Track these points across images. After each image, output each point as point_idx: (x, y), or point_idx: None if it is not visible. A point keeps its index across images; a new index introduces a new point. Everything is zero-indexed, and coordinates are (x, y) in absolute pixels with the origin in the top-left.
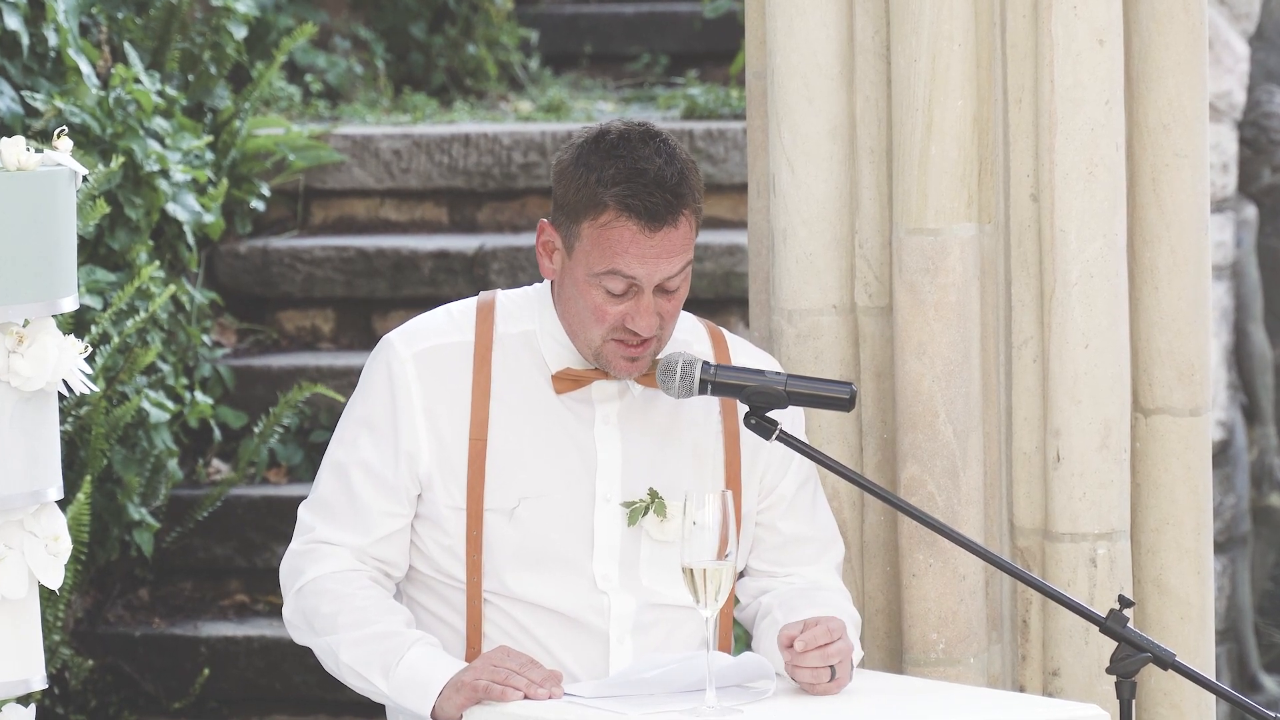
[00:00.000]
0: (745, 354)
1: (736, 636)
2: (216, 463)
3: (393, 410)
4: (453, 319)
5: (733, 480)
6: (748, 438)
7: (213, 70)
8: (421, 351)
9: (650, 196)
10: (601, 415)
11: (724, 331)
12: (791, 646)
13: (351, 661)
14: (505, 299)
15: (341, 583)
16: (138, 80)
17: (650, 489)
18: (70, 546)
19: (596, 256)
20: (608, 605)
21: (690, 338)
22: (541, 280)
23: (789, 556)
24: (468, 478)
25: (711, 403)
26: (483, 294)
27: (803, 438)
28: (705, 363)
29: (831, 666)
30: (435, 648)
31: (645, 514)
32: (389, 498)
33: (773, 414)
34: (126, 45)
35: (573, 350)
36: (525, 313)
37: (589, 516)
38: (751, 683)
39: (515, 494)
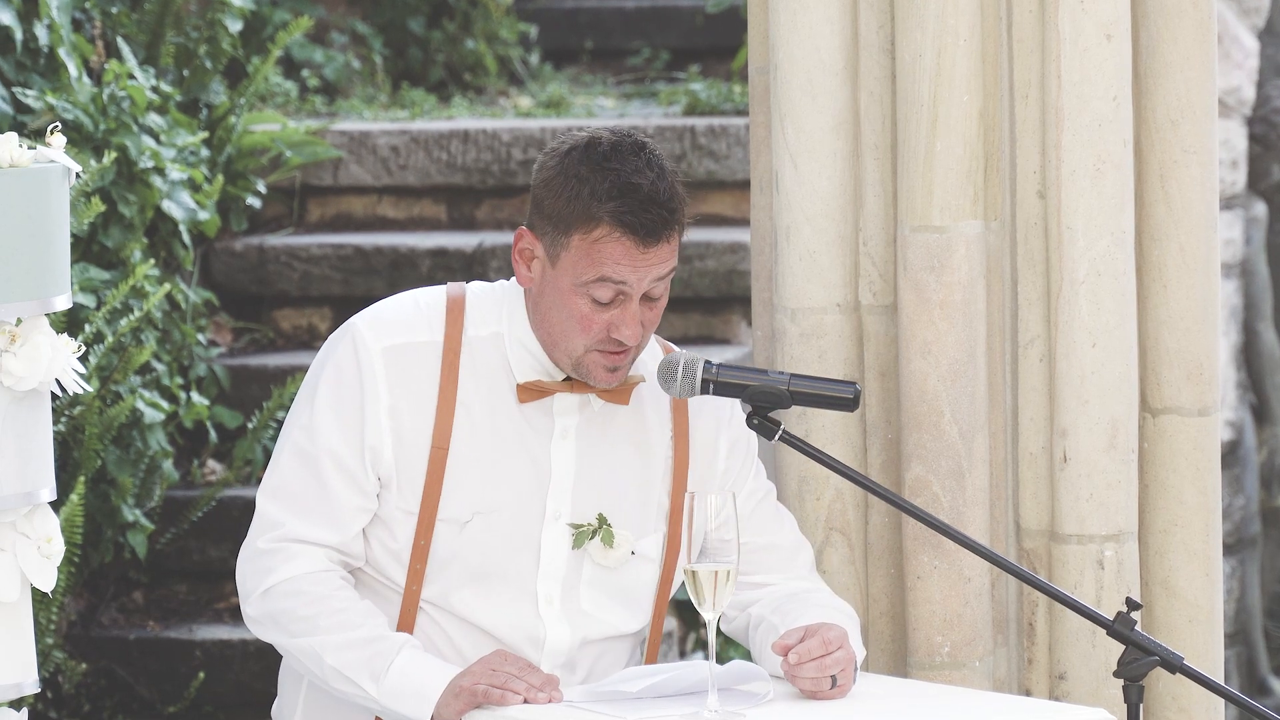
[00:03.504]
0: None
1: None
2: (212, 463)
3: (360, 401)
4: (421, 312)
5: (680, 498)
6: (701, 453)
7: (208, 65)
8: (390, 348)
9: (646, 213)
10: (560, 428)
11: (675, 350)
12: (787, 656)
13: (338, 665)
14: (475, 297)
15: (316, 584)
16: (131, 76)
17: (599, 515)
18: (63, 548)
19: (585, 266)
20: (543, 637)
21: (647, 357)
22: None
23: (755, 565)
24: (425, 486)
25: (665, 425)
26: (451, 287)
27: (752, 452)
28: (707, 362)
29: (832, 675)
30: (421, 651)
31: (591, 538)
32: (360, 492)
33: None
34: (120, 40)
35: (540, 360)
36: (494, 314)
37: (537, 532)
38: (745, 685)
39: (469, 507)
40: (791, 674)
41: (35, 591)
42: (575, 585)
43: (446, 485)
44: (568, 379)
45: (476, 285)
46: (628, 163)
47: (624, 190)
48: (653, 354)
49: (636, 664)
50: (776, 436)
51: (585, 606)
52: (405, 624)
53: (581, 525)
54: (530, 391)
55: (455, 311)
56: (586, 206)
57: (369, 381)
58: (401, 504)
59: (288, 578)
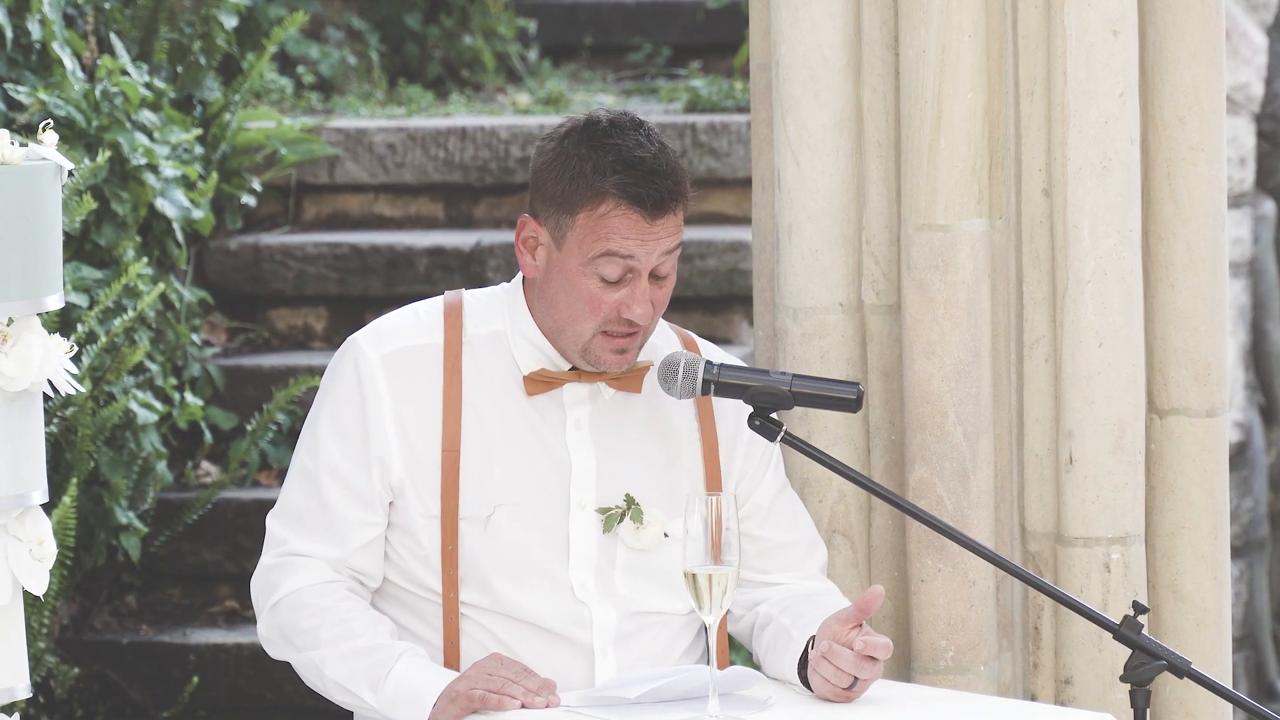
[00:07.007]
0: (719, 360)
1: (733, 647)
2: (206, 465)
3: (362, 415)
4: (419, 319)
5: (711, 487)
6: (723, 445)
7: (202, 61)
8: (389, 354)
9: (651, 184)
10: (573, 419)
11: (695, 337)
12: (835, 637)
13: (338, 677)
14: (472, 299)
15: (319, 595)
16: (124, 72)
17: (627, 495)
18: (55, 551)
19: (591, 242)
20: (589, 618)
21: (661, 342)
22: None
23: (772, 563)
24: (441, 489)
25: (687, 410)
26: (448, 294)
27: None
28: (708, 362)
29: (855, 677)
30: (422, 658)
31: (621, 521)
32: (362, 506)
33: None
34: (113, 36)
35: (545, 351)
36: (494, 313)
37: (564, 524)
38: (745, 690)
39: (490, 502)
40: (835, 659)
41: (27, 595)
42: (609, 572)
43: (463, 484)
44: (574, 369)
45: (473, 290)
46: (628, 138)
47: (628, 164)
48: (667, 339)
49: (695, 645)
50: (778, 438)
51: (622, 592)
52: (450, 633)
53: (610, 508)
54: (538, 383)
55: (453, 314)
56: (591, 182)
57: (370, 393)
58: (422, 509)
59: (292, 590)
